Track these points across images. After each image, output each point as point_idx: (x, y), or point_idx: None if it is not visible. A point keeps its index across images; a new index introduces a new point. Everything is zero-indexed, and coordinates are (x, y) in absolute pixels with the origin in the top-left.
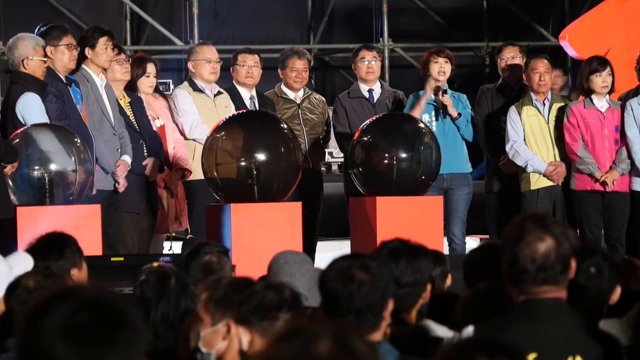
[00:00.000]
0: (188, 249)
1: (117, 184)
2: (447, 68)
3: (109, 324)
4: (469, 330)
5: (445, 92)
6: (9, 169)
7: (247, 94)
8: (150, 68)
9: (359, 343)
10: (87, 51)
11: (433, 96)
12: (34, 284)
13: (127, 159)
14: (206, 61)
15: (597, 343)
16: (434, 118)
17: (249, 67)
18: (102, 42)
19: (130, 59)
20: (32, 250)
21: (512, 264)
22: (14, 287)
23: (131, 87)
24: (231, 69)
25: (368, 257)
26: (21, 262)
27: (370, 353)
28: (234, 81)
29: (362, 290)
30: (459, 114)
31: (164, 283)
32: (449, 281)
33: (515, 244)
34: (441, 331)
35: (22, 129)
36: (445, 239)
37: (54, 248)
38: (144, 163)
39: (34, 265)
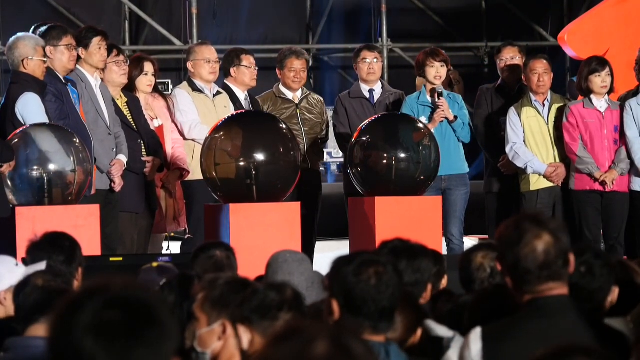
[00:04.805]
0: (196, 247)
1: (113, 184)
2: (443, 72)
3: (138, 321)
4: (477, 331)
5: (440, 94)
6: (5, 168)
7: (242, 94)
8: (148, 67)
9: (356, 343)
10: (81, 51)
11: (429, 98)
12: (43, 282)
13: (123, 158)
14: (205, 61)
15: (606, 339)
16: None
17: (254, 68)
18: (96, 42)
19: (128, 61)
20: (37, 249)
21: (514, 266)
22: (23, 285)
23: (130, 87)
24: (233, 69)
25: (388, 259)
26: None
27: (367, 354)
28: (230, 82)
29: (388, 290)
30: (456, 117)
31: (187, 285)
32: (444, 282)
33: (515, 245)
34: (441, 331)
35: (21, 128)
36: (443, 239)
37: (60, 248)
38: (145, 160)
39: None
